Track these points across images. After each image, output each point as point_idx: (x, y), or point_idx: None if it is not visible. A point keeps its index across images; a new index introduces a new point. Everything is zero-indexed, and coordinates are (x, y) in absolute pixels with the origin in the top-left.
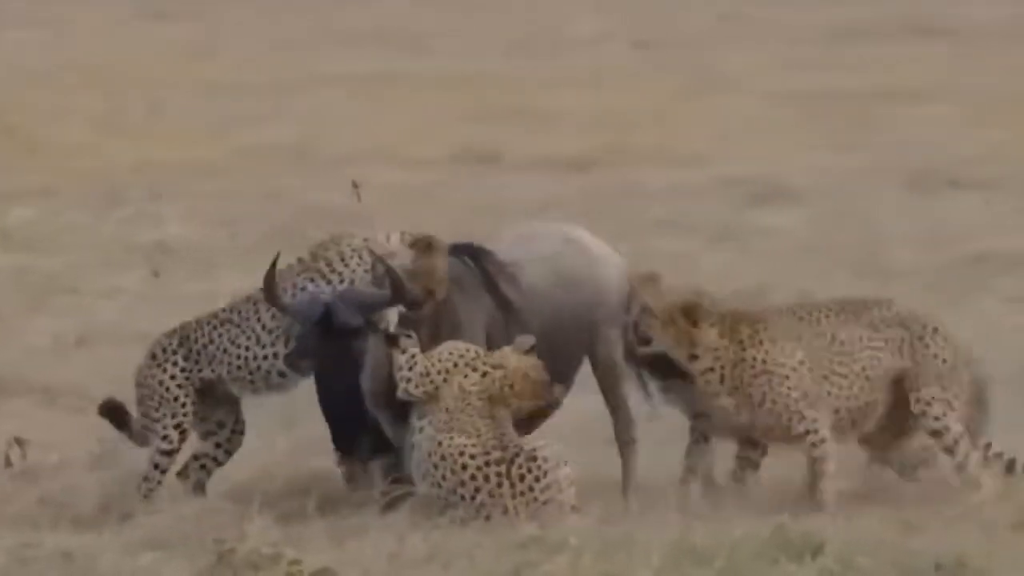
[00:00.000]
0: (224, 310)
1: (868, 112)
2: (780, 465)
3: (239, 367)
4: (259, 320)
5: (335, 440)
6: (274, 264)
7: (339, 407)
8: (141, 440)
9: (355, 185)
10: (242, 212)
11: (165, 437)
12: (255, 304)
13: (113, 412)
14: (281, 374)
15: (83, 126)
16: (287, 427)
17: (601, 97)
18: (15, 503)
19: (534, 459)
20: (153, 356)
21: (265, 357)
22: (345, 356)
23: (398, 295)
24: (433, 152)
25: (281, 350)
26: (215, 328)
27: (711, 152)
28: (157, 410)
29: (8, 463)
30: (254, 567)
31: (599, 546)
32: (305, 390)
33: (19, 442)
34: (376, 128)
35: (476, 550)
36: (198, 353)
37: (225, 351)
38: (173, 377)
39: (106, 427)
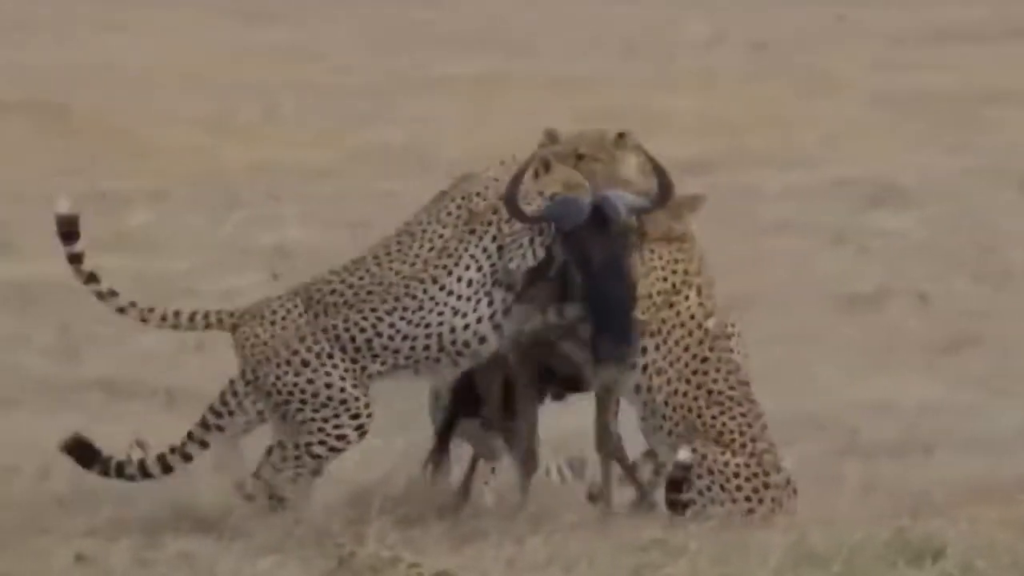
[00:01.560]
0: None
1: (977, 113)
2: (898, 468)
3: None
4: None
5: (611, 345)
6: (522, 170)
7: (624, 311)
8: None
9: None
10: (359, 214)
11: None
12: None
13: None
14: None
15: (195, 129)
16: (406, 428)
17: (715, 99)
18: (136, 505)
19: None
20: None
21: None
22: (622, 256)
23: (665, 196)
24: None
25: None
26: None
27: (825, 153)
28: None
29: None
30: (373, 571)
31: (718, 549)
32: (423, 390)
33: (140, 445)
34: (486, 130)
35: (596, 553)
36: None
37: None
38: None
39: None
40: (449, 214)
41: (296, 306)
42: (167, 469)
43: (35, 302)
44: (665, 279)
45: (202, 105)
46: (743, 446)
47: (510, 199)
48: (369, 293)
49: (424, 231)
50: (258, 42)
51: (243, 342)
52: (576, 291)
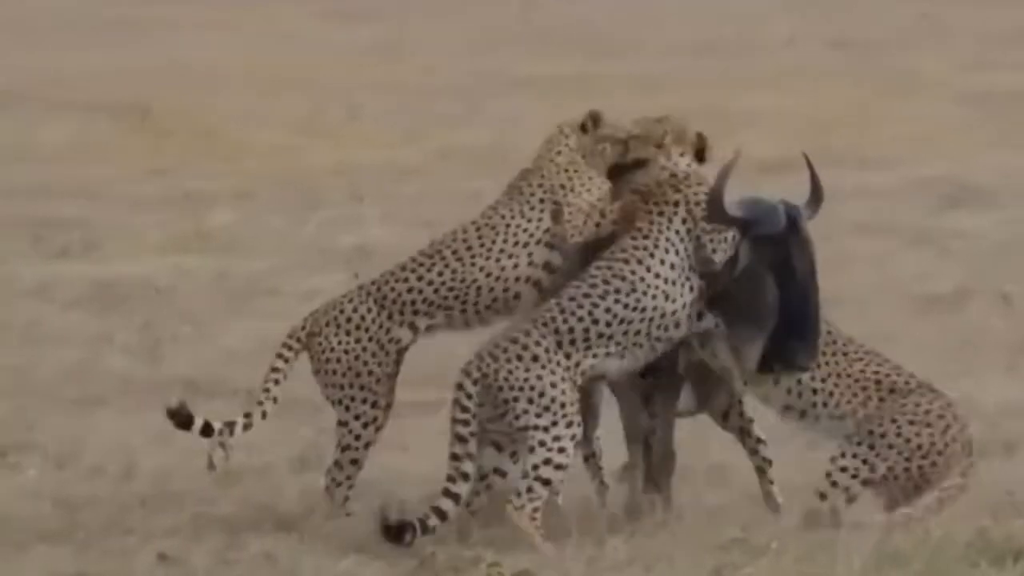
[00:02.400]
0: None
1: None
2: (979, 468)
3: None
4: None
5: (802, 353)
6: (727, 170)
7: (816, 322)
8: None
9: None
10: (441, 214)
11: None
12: None
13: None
14: None
15: (281, 128)
16: None
17: (795, 98)
18: (218, 505)
19: None
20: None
21: None
22: (814, 264)
23: (818, 199)
24: None
25: None
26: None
27: (905, 153)
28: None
29: (211, 465)
30: (455, 570)
31: (801, 549)
32: None
33: (222, 446)
34: None
35: (676, 553)
36: None
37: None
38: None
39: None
40: (532, 208)
41: (370, 309)
42: (456, 499)
43: (118, 302)
44: None
45: (288, 105)
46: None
47: (715, 200)
48: (450, 290)
49: (507, 225)
50: (345, 42)
51: (319, 353)
52: (754, 300)
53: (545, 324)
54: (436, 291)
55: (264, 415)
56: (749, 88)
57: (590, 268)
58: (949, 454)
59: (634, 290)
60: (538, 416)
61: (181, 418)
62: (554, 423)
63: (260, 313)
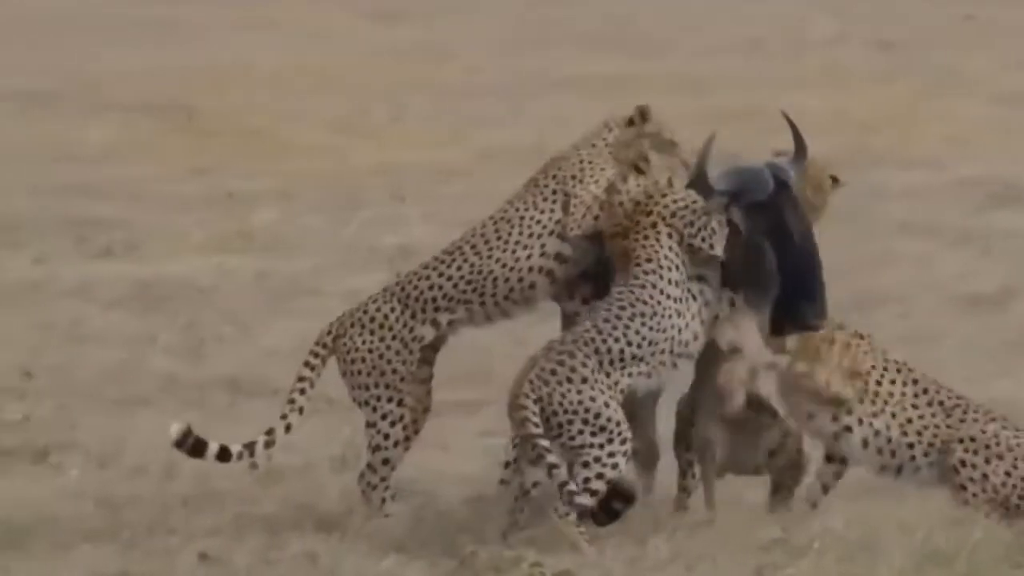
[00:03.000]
0: None
1: None
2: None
3: None
4: None
5: (811, 312)
6: (708, 144)
7: (821, 277)
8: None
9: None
10: (483, 214)
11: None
12: None
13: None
14: None
15: (324, 128)
16: None
17: (841, 98)
18: (260, 505)
19: None
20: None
21: None
22: (808, 221)
23: (802, 153)
24: None
25: None
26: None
27: (950, 153)
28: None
29: (253, 465)
30: (496, 570)
31: (841, 549)
32: None
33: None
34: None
35: (718, 553)
36: None
37: None
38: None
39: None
40: (545, 199)
41: (393, 309)
42: (583, 514)
43: (160, 302)
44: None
45: (331, 105)
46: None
47: (699, 176)
48: (469, 283)
49: (522, 218)
50: (388, 42)
51: (344, 354)
52: (755, 267)
53: (587, 344)
54: (455, 285)
55: (288, 428)
56: (793, 88)
57: (614, 292)
58: None
59: (655, 314)
60: (593, 435)
61: (189, 446)
62: (609, 440)
63: (302, 313)
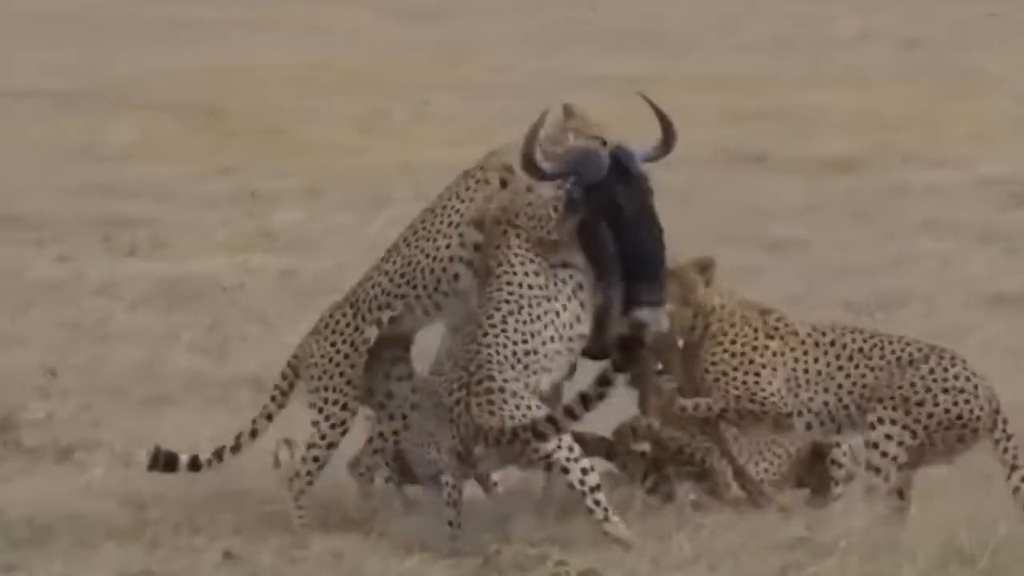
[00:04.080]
0: None
1: None
2: None
3: None
4: None
5: (647, 291)
6: (537, 125)
7: (658, 256)
8: None
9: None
10: None
11: None
12: None
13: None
14: None
15: (347, 128)
16: None
17: (865, 97)
18: (284, 504)
19: None
20: None
21: None
22: (648, 202)
23: (670, 141)
24: (696, 153)
25: None
26: None
27: (974, 152)
28: None
29: (276, 464)
30: (520, 568)
31: (866, 548)
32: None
33: (287, 443)
34: (638, 130)
35: (741, 551)
36: None
37: None
38: None
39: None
40: (468, 189)
41: (344, 314)
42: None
43: (185, 301)
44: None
45: (355, 104)
46: None
47: (527, 159)
48: (402, 276)
49: (444, 207)
50: (413, 41)
51: (302, 360)
52: (600, 248)
53: (490, 360)
54: (391, 280)
55: (255, 434)
56: (817, 86)
57: (476, 307)
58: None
59: (523, 307)
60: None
61: (162, 465)
62: (560, 440)
63: None
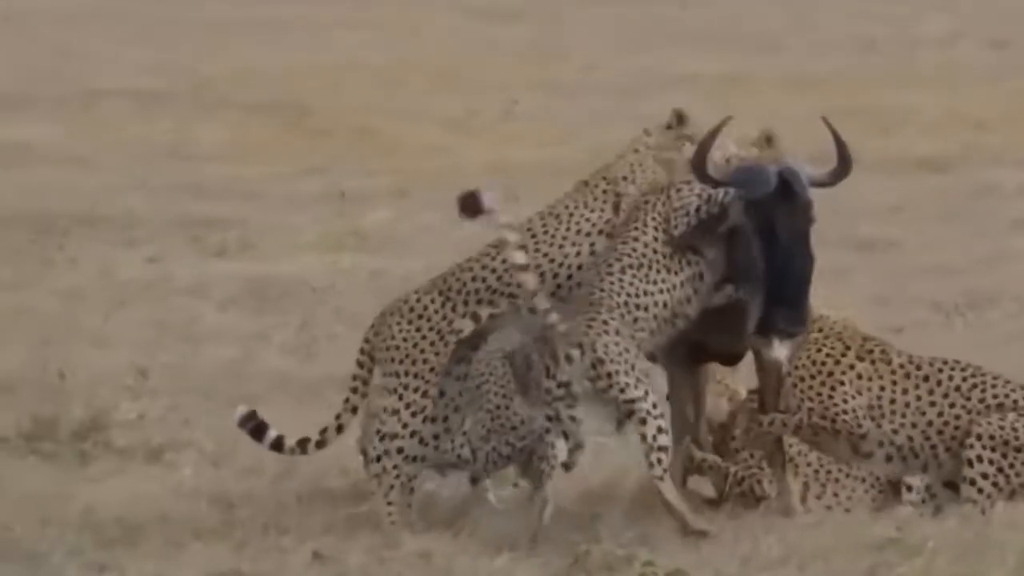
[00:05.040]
0: None
1: None
2: None
3: None
4: None
5: (787, 318)
6: (714, 132)
7: (804, 284)
8: None
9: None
10: None
11: None
12: None
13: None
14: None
15: (437, 127)
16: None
17: (955, 96)
18: (373, 503)
19: None
20: None
21: None
22: (806, 230)
23: (845, 168)
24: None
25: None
26: None
27: None
28: None
29: (368, 460)
30: (608, 568)
31: (954, 549)
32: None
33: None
34: (726, 129)
35: (830, 552)
36: None
37: None
38: None
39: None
40: (596, 199)
41: (433, 300)
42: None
43: (274, 301)
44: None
45: (445, 104)
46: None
47: (699, 163)
48: (513, 277)
49: (571, 215)
50: (503, 41)
51: (381, 341)
52: (747, 261)
53: (605, 304)
54: (499, 278)
55: (340, 429)
56: (905, 86)
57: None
58: None
59: (642, 266)
60: (636, 387)
61: (250, 429)
62: (647, 392)
63: None
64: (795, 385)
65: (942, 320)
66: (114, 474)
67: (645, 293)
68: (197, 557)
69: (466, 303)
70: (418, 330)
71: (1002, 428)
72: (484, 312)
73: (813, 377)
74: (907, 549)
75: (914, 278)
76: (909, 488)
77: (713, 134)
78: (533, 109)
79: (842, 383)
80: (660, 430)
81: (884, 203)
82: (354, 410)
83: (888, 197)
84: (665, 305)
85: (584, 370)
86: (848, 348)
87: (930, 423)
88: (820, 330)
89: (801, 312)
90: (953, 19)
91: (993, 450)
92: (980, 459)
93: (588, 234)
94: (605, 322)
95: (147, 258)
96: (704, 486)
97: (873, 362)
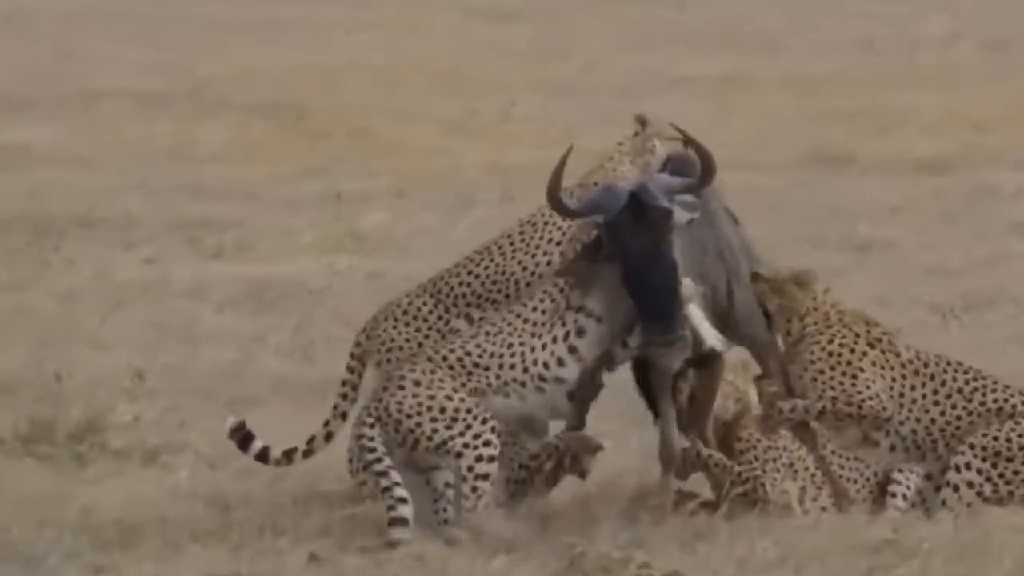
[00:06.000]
0: None
1: None
2: None
3: None
4: None
5: (656, 330)
6: (562, 163)
7: (665, 296)
8: None
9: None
10: None
11: None
12: None
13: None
14: None
15: (435, 128)
16: (639, 427)
17: (954, 97)
18: (369, 506)
19: None
20: None
21: None
22: (660, 242)
23: (708, 174)
24: (784, 154)
25: None
26: None
27: None
28: None
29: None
30: (604, 570)
31: (951, 551)
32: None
33: None
34: (726, 130)
35: (827, 554)
36: None
37: None
38: None
39: None
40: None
41: (425, 303)
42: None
43: (271, 303)
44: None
45: (443, 105)
46: None
47: (552, 197)
48: (494, 283)
49: (546, 223)
50: (501, 42)
51: (379, 345)
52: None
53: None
54: (483, 284)
55: (329, 437)
56: (905, 87)
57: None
58: None
59: (500, 331)
60: (448, 428)
61: (238, 439)
62: (467, 427)
63: None
64: (814, 379)
65: (940, 321)
66: (111, 476)
67: (490, 355)
68: (194, 559)
69: (456, 305)
70: (417, 330)
71: (996, 440)
72: (476, 314)
73: (833, 368)
74: (903, 551)
75: (912, 279)
76: (894, 495)
77: (560, 165)
78: (533, 110)
79: (862, 369)
80: (479, 459)
81: (883, 204)
82: (344, 416)
83: (887, 198)
84: (523, 369)
85: (394, 439)
86: (858, 335)
87: (933, 420)
88: (817, 322)
89: (670, 321)
90: (953, 19)
91: (983, 460)
92: (968, 467)
93: (559, 243)
94: (402, 377)
95: (145, 259)
96: (704, 487)
97: (883, 352)
